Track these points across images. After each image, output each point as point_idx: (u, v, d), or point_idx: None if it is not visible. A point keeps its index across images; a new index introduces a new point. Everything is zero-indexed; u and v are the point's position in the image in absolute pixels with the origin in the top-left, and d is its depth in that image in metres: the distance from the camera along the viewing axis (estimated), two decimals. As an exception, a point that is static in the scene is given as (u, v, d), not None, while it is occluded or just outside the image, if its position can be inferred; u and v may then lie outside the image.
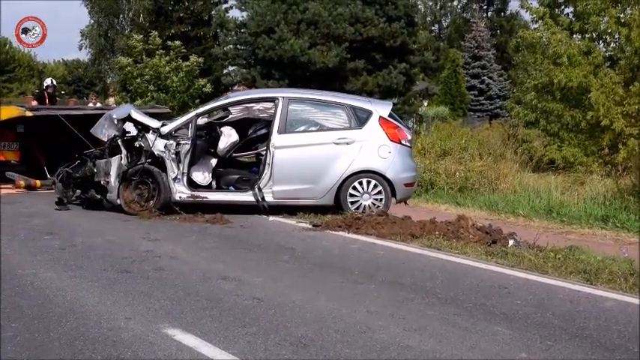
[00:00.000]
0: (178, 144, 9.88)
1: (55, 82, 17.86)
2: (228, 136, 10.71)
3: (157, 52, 21.94)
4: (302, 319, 5.22)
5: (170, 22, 29.32)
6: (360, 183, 9.88)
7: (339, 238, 8.62)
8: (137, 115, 10.21)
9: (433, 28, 61.63)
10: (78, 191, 10.36)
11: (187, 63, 22.14)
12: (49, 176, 12.01)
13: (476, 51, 43.94)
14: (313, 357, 4.51)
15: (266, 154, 9.98)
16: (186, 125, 10.11)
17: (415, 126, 25.94)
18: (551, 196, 12.29)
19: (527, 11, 19.56)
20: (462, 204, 12.33)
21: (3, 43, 56.73)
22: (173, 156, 9.83)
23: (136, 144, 9.98)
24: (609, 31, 17.96)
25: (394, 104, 22.28)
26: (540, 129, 19.28)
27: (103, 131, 10.32)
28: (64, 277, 6.34)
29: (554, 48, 17.79)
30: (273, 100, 10.42)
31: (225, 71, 27.74)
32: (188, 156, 9.95)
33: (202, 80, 22.81)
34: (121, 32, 44.21)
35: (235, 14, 28.00)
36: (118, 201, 9.88)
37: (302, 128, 10.15)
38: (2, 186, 11.85)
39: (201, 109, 10.84)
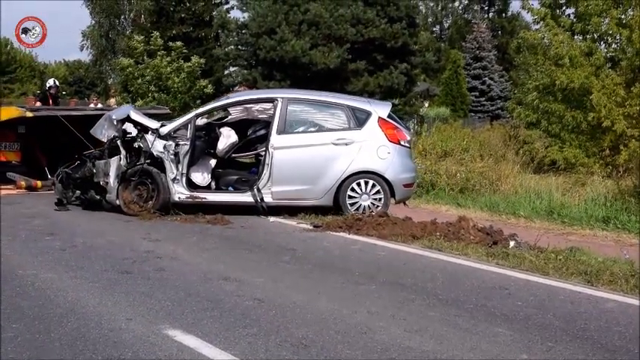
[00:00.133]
0: (177, 145, 9.89)
1: (57, 83, 17.88)
2: (228, 137, 10.72)
3: (159, 52, 21.95)
4: (303, 320, 5.22)
5: (171, 23, 29.30)
6: (359, 184, 9.88)
7: (340, 239, 8.62)
8: (136, 116, 10.22)
9: (434, 29, 61.61)
10: (77, 192, 10.37)
11: (189, 64, 22.15)
12: (49, 177, 12.02)
13: (477, 52, 43.93)
14: (314, 358, 4.51)
15: (265, 154, 9.99)
16: (185, 126, 10.12)
17: (416, 127, 25.92)
18: (552, 197, 12.29)
19: (528, 12, 19.57)
20: (463, 205, 12.32)
21: (4, 44, 56.74)
22: (172, 157, 9.84)
23: (135, 145, 9.99)
24: (610, 32, 17.95)
25: (395, 105, 22.38)
26: (541, 130, 19.27)
27: (103, 132, 10.33)
28: (64, 277, 6.34)
29: (555, 49, 17.78)
30: (272, 100, 10.43)
31: (226, 72, 27.72)
32: (187, 157, 9.96)
33: (203, 81, 22.82)
34: (122, 33, 44.23)
35: (236, 15, 28.18)
36: (117, 202, 9.88)
37: (301, 129, 10.15)
38: (3, 187, 11.87)
39: (200, 110, 10.86)
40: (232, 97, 11.69)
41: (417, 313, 5.53)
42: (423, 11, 53.11)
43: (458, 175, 14.04)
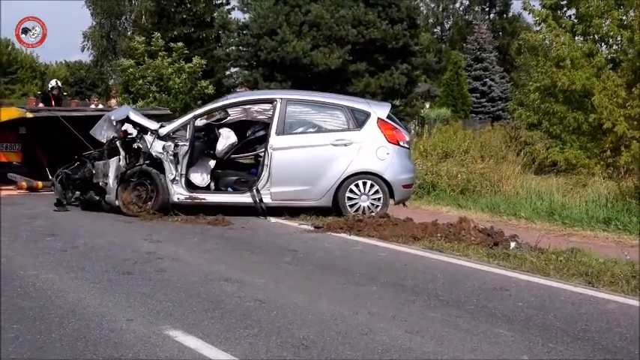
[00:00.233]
0: (176, 145, 9.89)
1: (59, 84, 17.93)
2: (227, 138, 10.73)
3: (160, 53, 21.96)
4: (304, 321, 5.22)
5: (172, 24, 29.31)
6: (358, 184, 9.88)
7: (341, 240, 8.62)
8: (135, 117, 10.22)
9: (435, 30, 61.66)
10: (77, 193, 10.38)
11: (190, 64, 22.16)
12: (50, 177, 12.03)
13: (478, 53, 43.91)
14: (315, 359, 4.51)
15: (264, 155, 10.00)
16: (184, 127, 10.13)
17: (417, 128, 25.92)
18: (553, 198, 12.28)
19: (529, 13, 19.60)
20: (464, 206, 12.31)
21: (5, 45, 56.79)
22: (171, 157, 9.84)
23: (135, 145, 10.00)
24: (611, 33, 17.96)
25: (396, 106, 22.41)
26: (542, 131, 19.27)
27: (102, 133, 10.34)
28: (65, 278, 6.35)
29: (557, 51, 17.79)
30: (271, 101, 10.45)
31: (227, 73, 27.74)
32: (186, 157, 9.96)
33: (204, 82, 22.82)
34: (124, 34, 44.29)
35: (238, 16, 28.18)
36: (117, 202, 9.89)
37: (300, 130, 10.16)
38: (4, 187, 11.88)
39: (199, 111, 10.86)
40: (231, 98, 11.70)
41: (417, 314, 5.52)
42: (424, 12, 53.18)
43: (459, 176, 14.03)
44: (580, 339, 5.08)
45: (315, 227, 9.25)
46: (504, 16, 57.54)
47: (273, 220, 9.81)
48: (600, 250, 8.44)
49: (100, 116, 11.11)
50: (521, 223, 10.78)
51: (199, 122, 10.58)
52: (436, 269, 7.13)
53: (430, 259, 7.64)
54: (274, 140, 9.92)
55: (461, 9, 62.29)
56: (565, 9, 19.74)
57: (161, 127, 10.10)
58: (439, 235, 8.56)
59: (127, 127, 10.19)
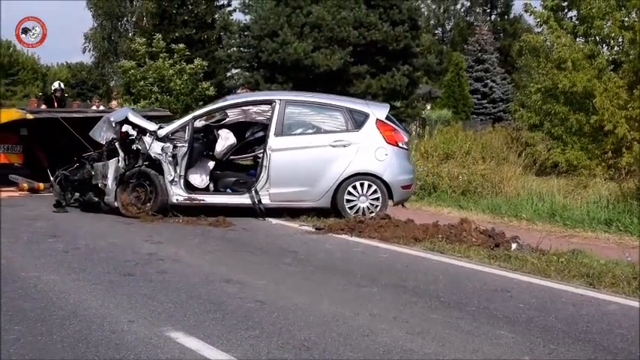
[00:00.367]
0: (175, 147, 9.89)
1: (62, 86, 17.93)
2: (226, 139, 10.74)
3: (161, 55, 21.98)
4: (305, 322, 5.22)
5: (174, 26, 29.34)
6: (356, 186, 9.88)
7: (342, 242, 8.62)
8: (134, 118, 10.22)
9: (436, 31, 61.62)
10: (76, 194, 10.39)
11: (191, 66, 22.20)
12: (51, 179, 12.03)
13: (479, 54, 43.93)
14: (316, 360, 4.51)
15: (263, 156, 10.00)
16: (183, 128, 10.13)
17: (418, 129, 25.91)
18: (554, 199, 12.26)
19: (530, 15, 19.59)
20: (465, 207, 12.30)
21: (6, 47, 56.81)
22: (170, 158, 9.84)
23: (134, 147, 10.00)
24: (613, 35, 17.96)
25: (397, 107, 22.43)
26: (544, 132, 19.27)
27: (102, 134, 10.34)
28: (67, 280, 6.35)
29: (558, 52, 17.78)
30: (270, 102, 10.45)
31: (228, 74, 27.78)
32: (185, 159, 9.96)
33: (206, 83, 22.85)
34: (125, 35, 44.32)
35: (239, 17, 28.10)
36: (116, 203, 9.89)
37: (299, 131, 10.16)
38: (5, 189, 11.88)
39: (198, 112, 10.86)
40: (230, 100, 11.71)
41: (419, 316, 5.52)
42: (425, 14, 53.18)
43: (460, 177, 14.02)
44: (581, 340, 5.07)
45: (316, 228, 9.25)
46: (505, 17, 57.56)
47: (274, 221, 9.81)
48: (601, 252, 8.43)
49: (100, 118, 11.12)
50: (523, 225, 10.77)
51: (198, 123, 10.58)
52: (437, 270, 7.12)
53: (431, 261, 7.63)
54: (273, 141, 9.92)
55: (462, 10, 62.32)
56: (566, 10, 19.76)
57: (160, 128, 10.10)
58: (440, 236, 8.55)
59: (128, 128, 10.19)
